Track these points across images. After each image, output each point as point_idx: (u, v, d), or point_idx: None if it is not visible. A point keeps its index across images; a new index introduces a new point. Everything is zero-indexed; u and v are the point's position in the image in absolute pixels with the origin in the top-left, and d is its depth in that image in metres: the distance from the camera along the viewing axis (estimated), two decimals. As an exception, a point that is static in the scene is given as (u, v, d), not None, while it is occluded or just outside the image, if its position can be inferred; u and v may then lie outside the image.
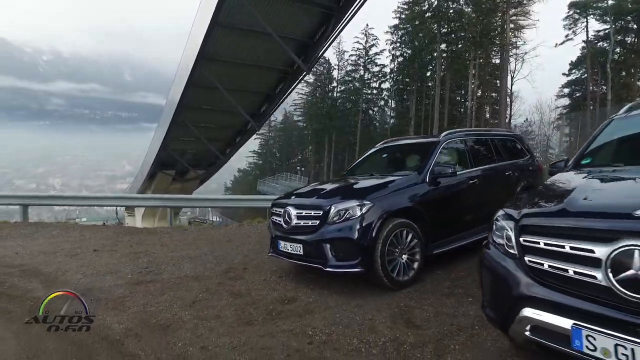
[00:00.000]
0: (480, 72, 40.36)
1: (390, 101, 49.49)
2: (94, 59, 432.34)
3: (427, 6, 37.92)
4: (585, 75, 36.88)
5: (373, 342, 2.55)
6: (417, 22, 39.06)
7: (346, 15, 12.19)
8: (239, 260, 5.10)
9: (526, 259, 1.74)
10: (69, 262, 5.13)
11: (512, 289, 1.77)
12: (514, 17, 37.05)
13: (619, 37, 35.58)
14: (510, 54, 37.90)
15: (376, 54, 47.89)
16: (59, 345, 2.69)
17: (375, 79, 48.86)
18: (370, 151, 5.27)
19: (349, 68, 50.62)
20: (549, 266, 1.64)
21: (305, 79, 54.89)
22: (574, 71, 38.41)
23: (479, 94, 43.22)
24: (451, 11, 36.27)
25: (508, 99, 38.59)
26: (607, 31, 34.52)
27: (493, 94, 43.26)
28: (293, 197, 4.03)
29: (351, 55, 49.46)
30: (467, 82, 40.53)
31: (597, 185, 2.04)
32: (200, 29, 12.52)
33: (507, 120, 38.01)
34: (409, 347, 2.46)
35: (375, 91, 49.73)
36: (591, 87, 36.80)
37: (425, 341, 2.51)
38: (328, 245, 3.44)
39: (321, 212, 3.52)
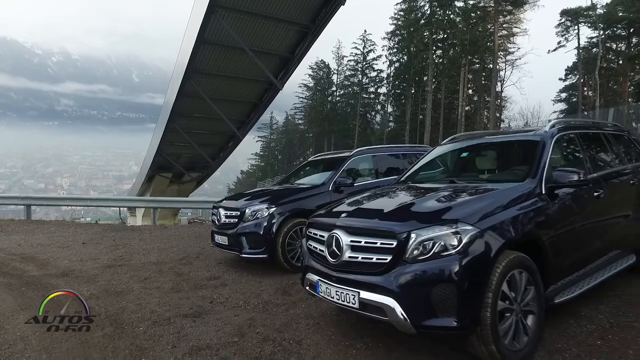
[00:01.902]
0: (475, 76, 41.34)
1: (386, 105, 50.58)
2: (103, 60, 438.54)
3: (420, 14, 39.08)
4: (582, 80, 37.65)
5: (252, 302, 3.75)
6: (411, 29, 40.18)
7: (320, 33, 13.44)
8: (196, 251, 6.32)
9: (307, 242, 2.93)
10: (60, 252, 6.39)
11: (305, 261, 2.95)
12: (505, 25, 38.02)
13: (612, 45, 36.37)
14: (504, 60, 38.97)
15: (374, 59, 49.08)
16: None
17: (372, 84, 50.05)
18: (302, 163, 6.48)
19: (348, 73, 51.88)
20: (312, 246, 2.82)
21: (305, 83, 56.38)
22: (569, 76, 39.22)
23: (475, 99, 44.09)
24: (445, 19, 37.36)
25: (501, 103, 39.53)
26: (599, 38, 35.21)
27: (488, 99, 44.02)
28: (224, 200, 5.26)
29: (349, 60, 50.68)
30: (470, 87, 41.66)
31: (362, 197, 3.18)
32: (188, 45, 13.79)
33: (498, 124, 38.87)
34: (272, 305, 3.65)
35: (372, 95, 50.90)
36: (587, 92, 37.55)
37: (286, 303, 3.70)
38: (243, 238, 4.65)
39: (239, 213, 4.73)
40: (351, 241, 2.43)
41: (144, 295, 4.07)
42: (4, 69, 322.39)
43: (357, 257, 2.39)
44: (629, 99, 34.96)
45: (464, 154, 3.51)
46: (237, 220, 4.74)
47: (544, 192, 2.71)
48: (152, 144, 19.78)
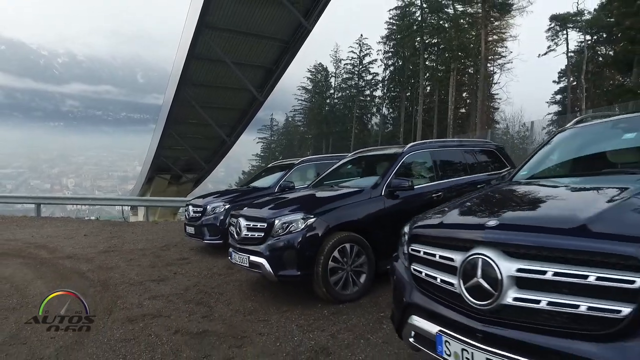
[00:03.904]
0: (471, 80, 42.52)
1: (382, 108, 51.91)
2: (108, 61, 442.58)
3: (412, 20, 40.43)
4: (575, 82, 38.75)
5: (203, 273, 5.19)
6: (405, 34, 41.52)
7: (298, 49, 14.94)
8: (176, 241, 7.75)
9: (229, 227, 4.34)
10: (65, 242, 7.87)
11: (229, 240, 4.34)
12: (496, 30, 39.32)
13: (601, 49, 37.51)
14: (495, 64, 40.35)
15: (370, 62, 50.45)
16: (53, 276, 5.35)
17: (368, 87, 51.42)
18: (263, 169, 7.93)
19: (345, 76, 53.27)
20: (231, 229, 4.24)
21: (304, 85, 57.78)
22: (563, 79, 40.34)
23: (468, 102, 45.19)
24: (436, 25, 38.68)
25: (489, 104, 40.77)
26: (585, 44, 36.32)
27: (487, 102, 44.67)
28: (193, 199, 6.72)
29: (346, 63, 52.07)
30: (465, 90, 43.02)
31: (276, 195, 4.59)
32: (180, 59, 15.31)
33: (488, 126, 40.01)
34: (217, 275, 5.08)
35: (368, 98, 52.23)
36: (580, 95, 38.68)
37: (227, 274, 5.13)
38: (205, 228, 6.10)
39: (202, 209, 6.18)
40: (246, 224, 3.86)
41: (127, 270, 5.52)
42: (10, 70, 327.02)
43: (249, 235, 3.82)
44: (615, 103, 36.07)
45: (349, 166, 4.93)
46: (200, 214, 6.19)
47: (383, 193, 4.12)
48: (151, 147, 21.33)
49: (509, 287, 1.39)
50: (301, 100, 59.39)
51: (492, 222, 1.56)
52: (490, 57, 39.31)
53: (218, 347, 2.86)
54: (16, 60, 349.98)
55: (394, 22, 44.31)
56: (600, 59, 38.18)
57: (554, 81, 41.07)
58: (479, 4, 35.47)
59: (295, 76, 57.24)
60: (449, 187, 4.73)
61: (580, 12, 35.98)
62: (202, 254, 6.42)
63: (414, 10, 40.48)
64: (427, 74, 40.90)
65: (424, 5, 38.69)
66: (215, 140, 21.61)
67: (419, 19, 39.59)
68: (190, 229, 6.41)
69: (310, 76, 56.34)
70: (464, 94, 44.39)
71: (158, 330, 3.21)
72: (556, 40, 38.57)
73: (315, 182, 5.16)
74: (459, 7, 37.01)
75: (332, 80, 55.49)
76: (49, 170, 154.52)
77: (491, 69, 40.82)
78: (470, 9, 37.28)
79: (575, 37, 37.19)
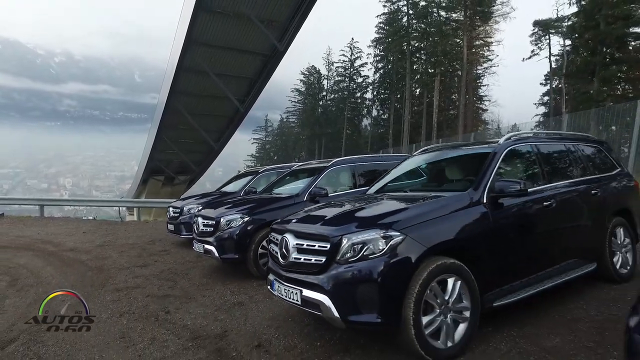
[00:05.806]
0: (459, 83, 43.98)
1: (372, 110, 53.32)
2: (105, 61, 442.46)
3: (399, 25, 41.86)
4: (560, 85, 40.32)
5: (178, 261, 6.63)
6: (395, 38, 42.93)
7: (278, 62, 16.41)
8: (161, 237, 9.18)
9: (193, 225, 5.79)
10: (67, 238, 9.31)
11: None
12: (481, 35, 40.93)
13: (583, 53, 39.06)
14: (482, 67, 42.05)
15: (360, 65, 51.87)
16: (59, 263, 6.78)
17: (359, 89, 52.82)
18: (233, 177, 9.40)
19: (338, 78, 54.64)
20: (193, 226, 5.69)
21: (296, 87, 59.05)
22: (549, 81, 41.87)
23: (457, 104, 46.58)
24: (421, 30, 40.12)
25: (473, 106, 42.32)
26: (564, 49, 37.91)
27: (477, 104, 46.02)
28: (174, 202, 8.16)
29: (338, 66, 53.45)
30: (454, 93, 44.54)
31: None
32: (170, 71, 16.71)
33: (476, 128, 41.52)
34: (188, 263, 6.51)
35: (359, 100, 53.62)
36: (562, 98, 40.25)
37: (197, 261, 6.55)
38: (182, 225, 7.54)
39: (179, 209, 7.63)
40: (201, 222, 5.32)
41: (118, 259, 6.96)
42: (7, 69, 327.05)
43: (204, 229, 5.27)
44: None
45: (289, 177, 6.43)
46: (179, 214, 7.64)
47: (305, 199, 5.56)
48: (145, 150, 22.73)
49: (293, 252, 2.85)
50: (294, 102, 60.71)
51: (294, 219, 3.04)
52: (475, 61, 40.99)
53: (173, 302, 4.32)
54: (13, 60, 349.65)
55: (382, 26, 45.68)
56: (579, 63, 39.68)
57: (540, 83, 42.67)
58: (462, 11, 37.02)
59: (291, 78, 58.75)
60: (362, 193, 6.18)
61: (560, 18, 37.46)
62: (180, 247, 7.86)
63: (400, 16, 41.91)
64: (417, 77, 42.28)
65: (410, 12, 40.15)
66: (205, 145, 23.02)
67: (406, 24, 41.00)
68: (171, 227, 7.85)
69: (304, 78, 57.68)
70: (453, 96, 45.88)
71: (136, 295, 4.66)
72: (540, 45, 40.17)
73: (264, 189, 6.61)
74: (443, 14, 38.53)
75: (325, 82, 56.90)
76: (46, 170, 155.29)
77: (479, 71, 42.49)
78: (454, 15, 38.84)
79: (558, 42, 38.69)
